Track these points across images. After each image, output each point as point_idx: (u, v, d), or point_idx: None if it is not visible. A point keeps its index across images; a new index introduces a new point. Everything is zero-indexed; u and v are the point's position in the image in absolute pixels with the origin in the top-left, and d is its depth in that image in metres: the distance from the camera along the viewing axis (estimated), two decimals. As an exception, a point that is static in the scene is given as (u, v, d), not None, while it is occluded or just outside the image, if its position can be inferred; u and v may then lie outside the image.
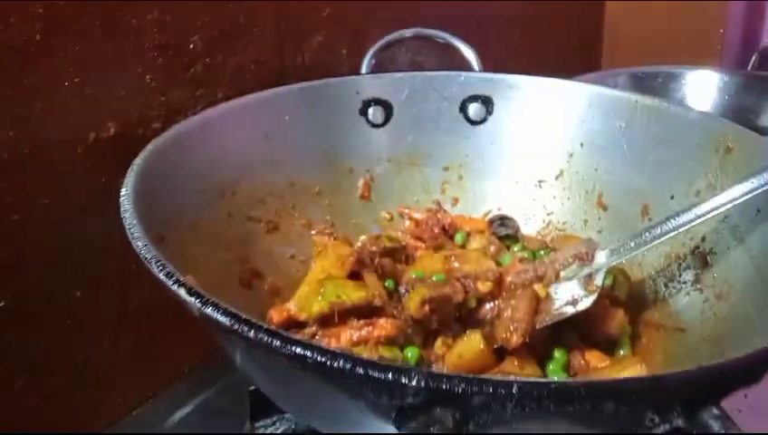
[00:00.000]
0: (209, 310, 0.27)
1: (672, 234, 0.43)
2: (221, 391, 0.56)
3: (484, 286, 0.44)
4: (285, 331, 0.45)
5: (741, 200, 0.40)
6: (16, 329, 0.44)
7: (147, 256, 0.31)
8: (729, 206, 0.40)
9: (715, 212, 0.41)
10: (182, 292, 0.28)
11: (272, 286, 0.50)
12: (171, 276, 0.29)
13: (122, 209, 0.35)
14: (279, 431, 0.50)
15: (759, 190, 0.39)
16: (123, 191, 0.37)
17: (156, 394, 0.54)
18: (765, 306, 0.37)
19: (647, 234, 0.44)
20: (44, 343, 0.46)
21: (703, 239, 0.46)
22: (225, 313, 0.27)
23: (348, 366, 0.24)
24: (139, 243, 0.32)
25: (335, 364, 0.24)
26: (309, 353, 0.24)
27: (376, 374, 0.24)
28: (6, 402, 0.44)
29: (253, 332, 0.26)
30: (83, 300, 0.48)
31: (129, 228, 0.33)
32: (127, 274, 0.50)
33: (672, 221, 0.43)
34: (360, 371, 0.24)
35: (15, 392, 0.45)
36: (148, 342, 0.53)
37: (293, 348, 0.25)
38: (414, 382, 0.23)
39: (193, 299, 0.28)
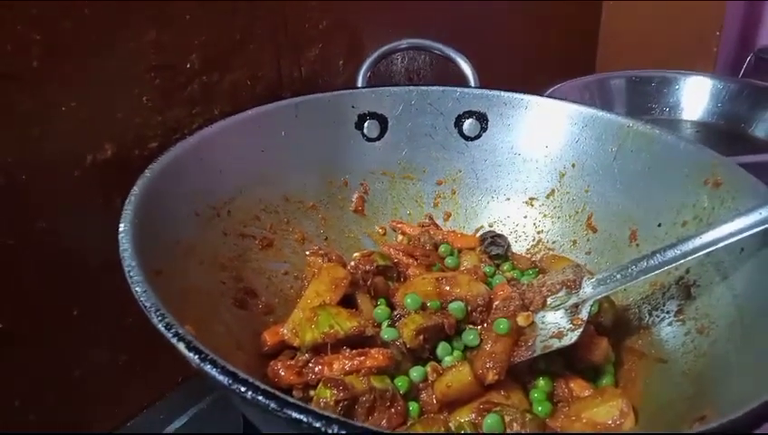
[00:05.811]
0: (207, 367, 0.28)
1: (657, 271, 0.44)
2: (215, 400, 0.57)
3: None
4: (278, 353, 0.47)
5: (727, 242, 0.41)
6: (14, 349, 0.45)
7: (146, 304, 0.31)
8: (714, 247, 0.41)
9: (702, 252, 0.42)
10: (181, 346, 0.29)
11: (266, 305, 0.51)
12: (170, 328, 0.30)
13: (121, 248, 0.35)
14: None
15: (745, 233, 0.40)
16: (121, 227, 0.37)
17: (151, 404, 0.55)
18: (745, 350, 0.38)
19: (633, 267, 0.45)
20: (42, 361, 0.47)
21: (687, 271, 0.48)
22: (224, 371, 0.28)
23: (342, 433, 0.25)
24: (138, 288, 0.32)
25: (329, 431, 0.25)
26: (304, 418, 0.26)
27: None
28: (6, 419, 0.45)
29: (250, 392, 0.27)
30: (80, 318, 0.48)
31: (129, 270, 0.34)
32: (122, 290, 0.51)
33: (658, 257, 0.44)
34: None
35: (15, 409, 0.46)
36: (143, 354, 0.54)
37: (289, 412, 0.26)
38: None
39: (192, 354, 0.28)
